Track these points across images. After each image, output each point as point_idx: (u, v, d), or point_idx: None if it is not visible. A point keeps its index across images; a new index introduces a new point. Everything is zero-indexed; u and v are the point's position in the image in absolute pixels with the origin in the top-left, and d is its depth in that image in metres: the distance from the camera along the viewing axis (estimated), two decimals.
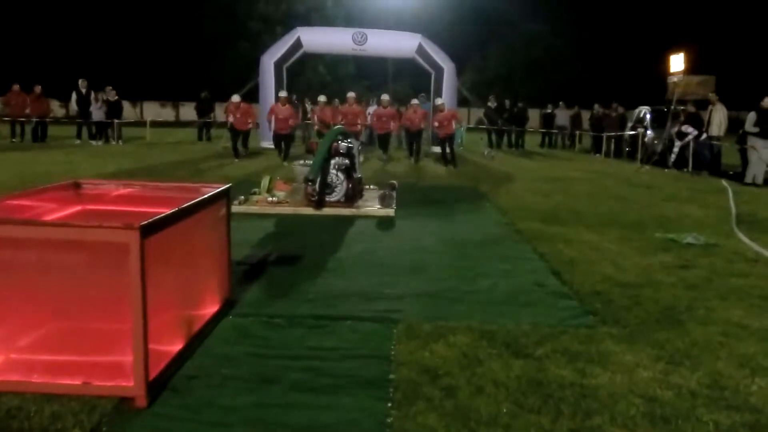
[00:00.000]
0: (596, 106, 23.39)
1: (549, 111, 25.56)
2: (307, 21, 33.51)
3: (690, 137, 15.57)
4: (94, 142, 20.56)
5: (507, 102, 24.57)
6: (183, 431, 2.89)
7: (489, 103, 24.23)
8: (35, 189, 4.06)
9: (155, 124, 25.85)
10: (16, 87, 19.89)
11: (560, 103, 25.49)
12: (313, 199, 8.60)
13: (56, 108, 23.14)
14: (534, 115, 26.22)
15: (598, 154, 21.86)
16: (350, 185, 8.85)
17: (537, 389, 3.37)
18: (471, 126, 27.82)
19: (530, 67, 46.14)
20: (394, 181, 10.16)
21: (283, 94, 16.95)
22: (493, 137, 24.01)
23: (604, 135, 21.53)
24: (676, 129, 16.10)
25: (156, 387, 3.18)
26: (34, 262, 3.23)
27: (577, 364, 3.71)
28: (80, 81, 20.43)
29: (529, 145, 24.25)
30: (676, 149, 16.09)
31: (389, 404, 3.18)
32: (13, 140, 19.69)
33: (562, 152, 23.44)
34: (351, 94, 18.18)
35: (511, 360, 3.74)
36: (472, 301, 4.92)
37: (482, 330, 4.20)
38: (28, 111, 19.80)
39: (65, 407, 3.01)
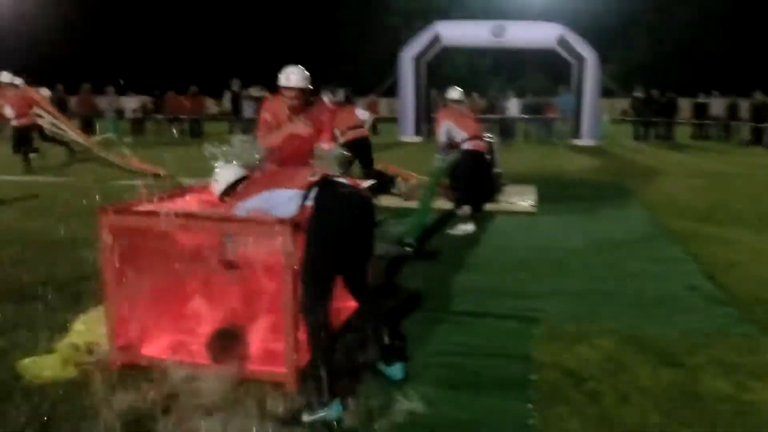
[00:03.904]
0: (756, 94, 21.46)
1: (701, 100, 23.80)
2: (446, 14, 33.46)
3: None
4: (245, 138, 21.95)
5: (655, 92, 23.20)
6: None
7: (635, 94, 23.00)
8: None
9: None
10: (171, 93, 22.74)
11: (714, 91, 23.66)
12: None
13: (211, 105, 24.98)
14: (685, 105, 24.52)
15: (759, 147, 20.08)
16: (490, 183, 8.72)
17: (689, 401, 3.20)
18: (615, 118, 26.53)
19: (680, 53, 43.05)
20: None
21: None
22: (640, 129, 22.78)
23: (767, 125, 19.72)
24: None
25: (306, 375, 3.33)
26: (198, 252, 3.53)
27: (735, 376, 3.47)
28: (233, 80, 21.80)
29: (680, 138, 22.73)
30: None
31: (530, 406, 3.15)
32: (176, 136, 21.69)
33: (716, 145, 21.75)
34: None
35: (660, 368, 3.56)
36: (618, 303, 4.74)
37: (629, 334, 4.04)
38: (186, 110, 21.80)
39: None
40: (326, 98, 4.16)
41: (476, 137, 7.80)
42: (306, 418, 2.95)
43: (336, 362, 3.18)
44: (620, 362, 3.64)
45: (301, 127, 4.64)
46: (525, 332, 4.10)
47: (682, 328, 4.19)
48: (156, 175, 9.69)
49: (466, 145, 7.65)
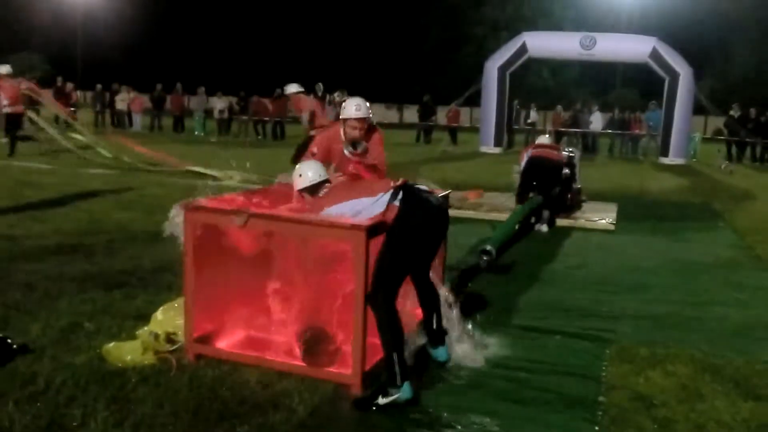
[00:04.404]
0: None
1: None
2: (534, 25, 33.01)
3: None
4: None
5: (752, 110, 22.04)
6: (388, 424, 3.05)
7: (731, 112, 21.93)
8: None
9: (380, 125, 27.17)
10: (255, 97, 24.04)
11: None
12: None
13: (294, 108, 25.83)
14: None
15: None
16: (569, 195, 8.61)
17: None
18: (707, 136, 25.38)
19: None
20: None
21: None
22: (733, 149, 21.70)
23: None
24: None
25: (371, 377, 3.38)
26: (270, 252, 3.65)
27: None
28: (317, 85, 22.28)
29: None
30: None
31: (597, 428, 3.07)
32: (259, 137, 22.49)
33: None
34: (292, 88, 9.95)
35: (740, 400, 3.39)
36: (696, 329, 4.55)
37: (707, 362, 3.87)
38: (269, 112, 22.63)
39: (293, 384, 3.33)
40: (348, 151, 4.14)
41: (541, 147, 8.47)
42: (381, 401, 3.17)
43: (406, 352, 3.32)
44: (696, 390, 3.49)
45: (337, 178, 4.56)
46: (595, 352, 3.99)
47: (767, 359, 3.98)
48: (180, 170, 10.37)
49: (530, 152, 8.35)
